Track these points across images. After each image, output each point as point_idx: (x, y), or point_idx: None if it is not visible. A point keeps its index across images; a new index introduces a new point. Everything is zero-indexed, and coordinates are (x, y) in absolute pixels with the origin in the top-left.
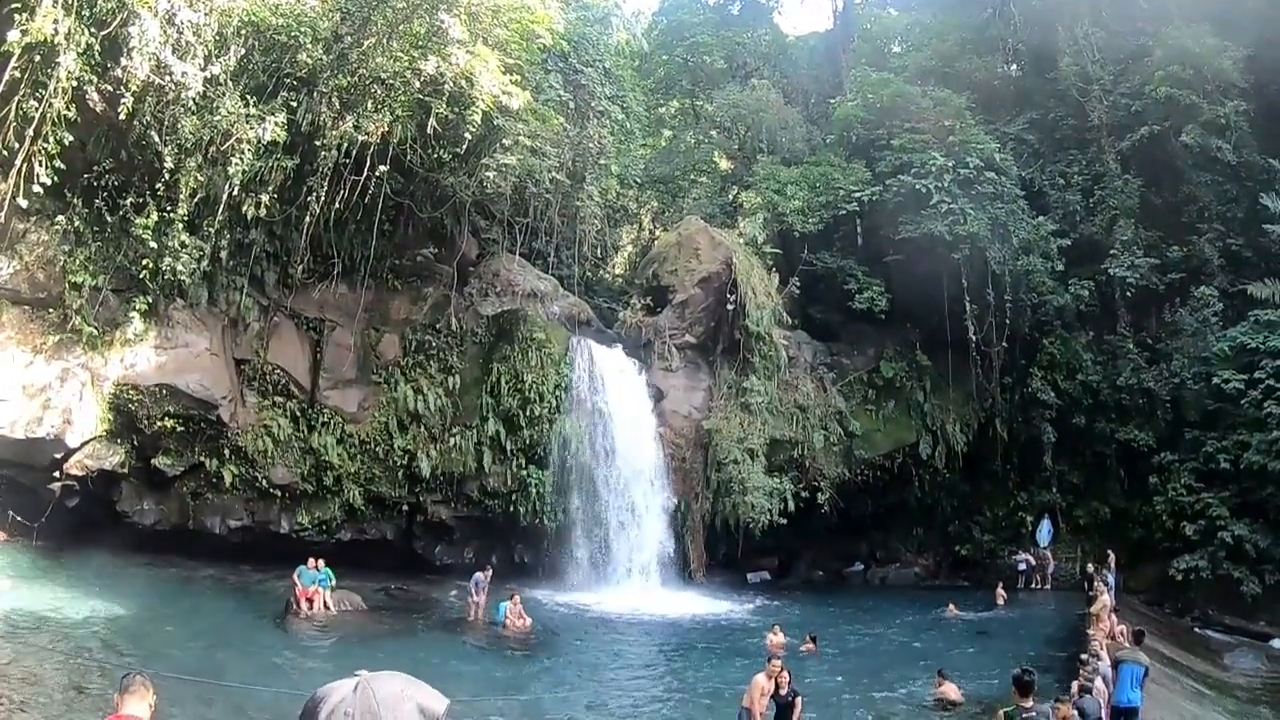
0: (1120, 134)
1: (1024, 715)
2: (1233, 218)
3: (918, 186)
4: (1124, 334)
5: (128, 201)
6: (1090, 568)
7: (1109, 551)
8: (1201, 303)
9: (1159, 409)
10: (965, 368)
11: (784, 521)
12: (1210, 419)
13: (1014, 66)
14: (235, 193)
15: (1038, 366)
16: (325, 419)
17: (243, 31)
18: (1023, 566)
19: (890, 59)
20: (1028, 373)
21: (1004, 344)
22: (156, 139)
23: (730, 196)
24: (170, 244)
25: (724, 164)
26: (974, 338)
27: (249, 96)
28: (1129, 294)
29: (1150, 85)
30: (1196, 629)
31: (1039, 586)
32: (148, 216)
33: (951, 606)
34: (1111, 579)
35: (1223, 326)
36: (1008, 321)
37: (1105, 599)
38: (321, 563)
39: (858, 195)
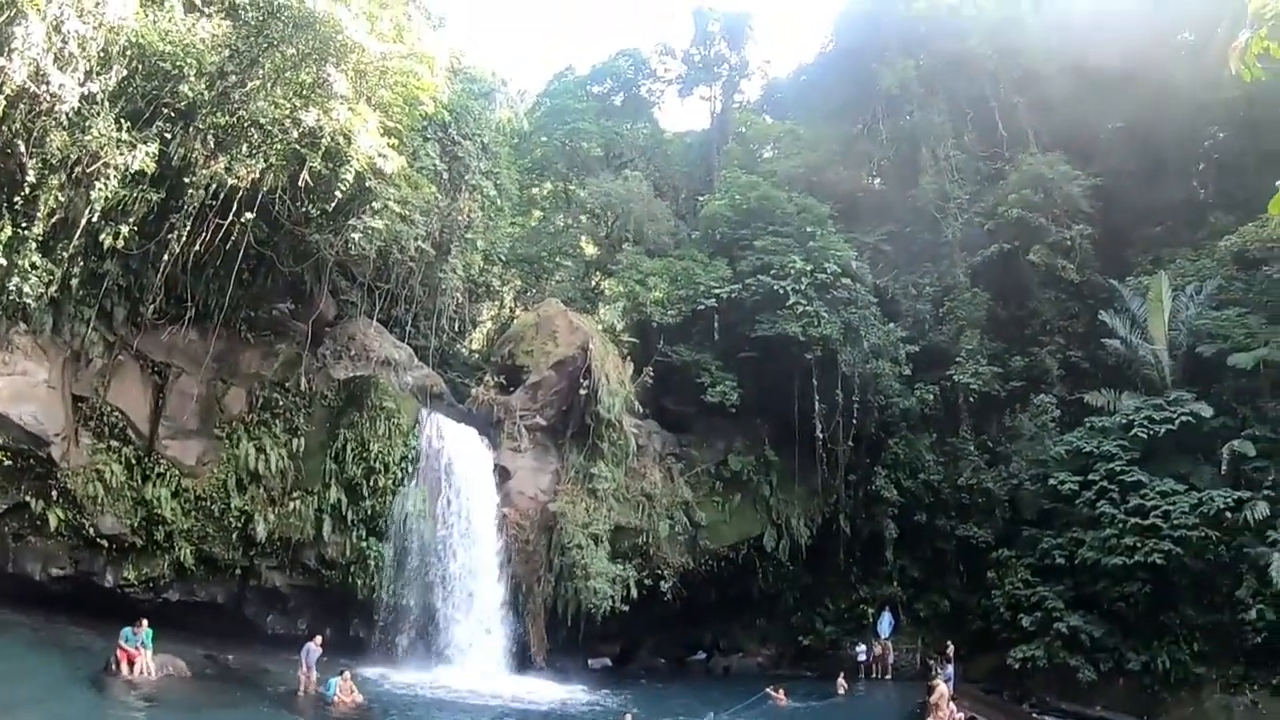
0: (972, 250)
1: None
2: (1073, 332)
3: (776, 287)
4: (966, 437)
5: None
6: (932, 658)
7: (948, 642)
8: (1040, 409)
9: (997, 507)
10: (812, 464)
11: (626, 608)
12: (1046, 517)
13: (878, 180)
14: (95, 219)
15: (882, 465)
16: (162, 470)
17: (128, 52)
18: (862, 657)
19: (761, 163)
20: (872, 470)
21: (850, 442)
22: (22, 150)
23: (593, 282)
24: (20, 263)
25: (590, 250)
26: (821, 435)
27: (124, 121)
28: (972, 399)
29: (1003, 206)
30: (1034, 715)
31: (880, 677)
32: (0, 231)
33: (780, 693)
34: (950, 669)
35: (1060, 431)
36: (855, 421)
37: (943, 688)
38: (144, 623)
39: (717, 292)
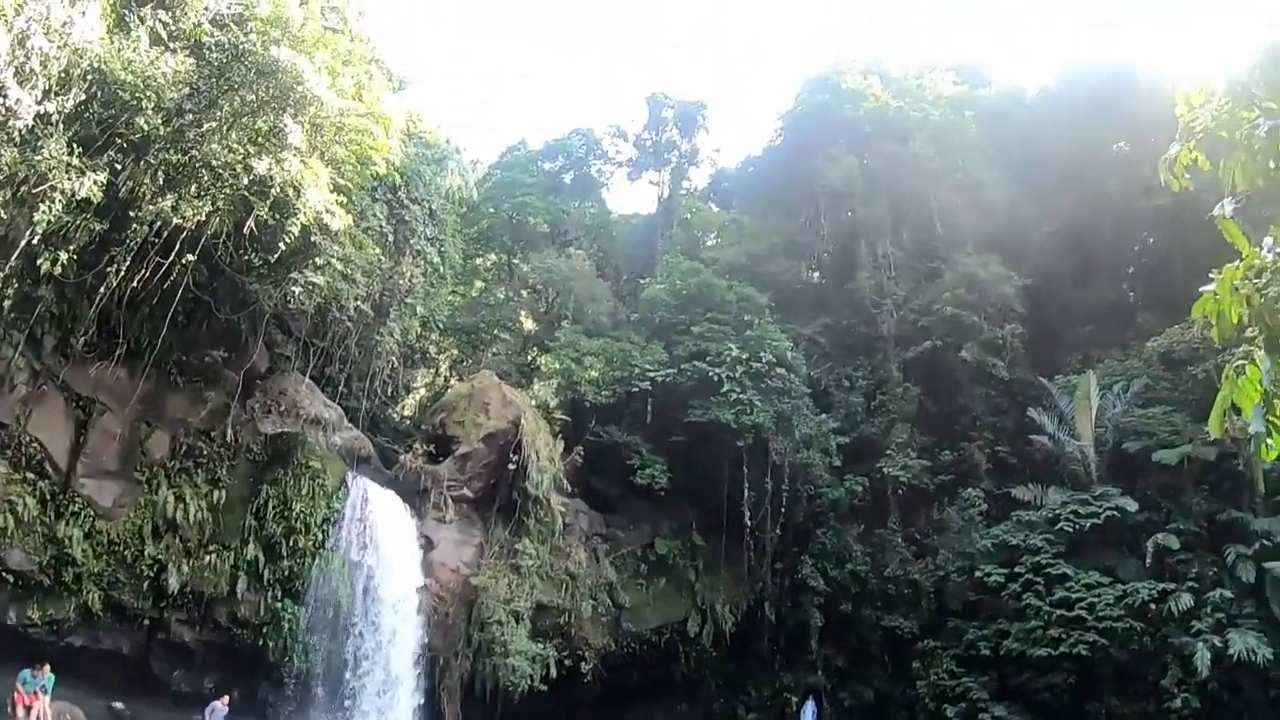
0: (906, 345)
1: None
2: (1002, 427)
3: (711, 374)
4: (894, 528)
5: None
6: None
7: None
8: (968, 503)
9: (924, 598)
10: (738, 550)
11: (545, 688)
12: (972, 609)
13: (817, 274)
14: (35, 242)
15: (809, 554)
16: (76, 509)
17: (89, 76)
18: None
19: (704, 249)
20: (799, 559)
21: (778, 530)
22: None
23: (530, 357)
24: None
25: (529, 324)
26: (750, 522)
27: (76, 145)
28: (901, 491)
29: (938, 304)
30: None
31: None
32: None
33: None
34: None
35: (987, 525)
36: (784, 509)
37: None
38: (47, 668)
39: (652, 375)
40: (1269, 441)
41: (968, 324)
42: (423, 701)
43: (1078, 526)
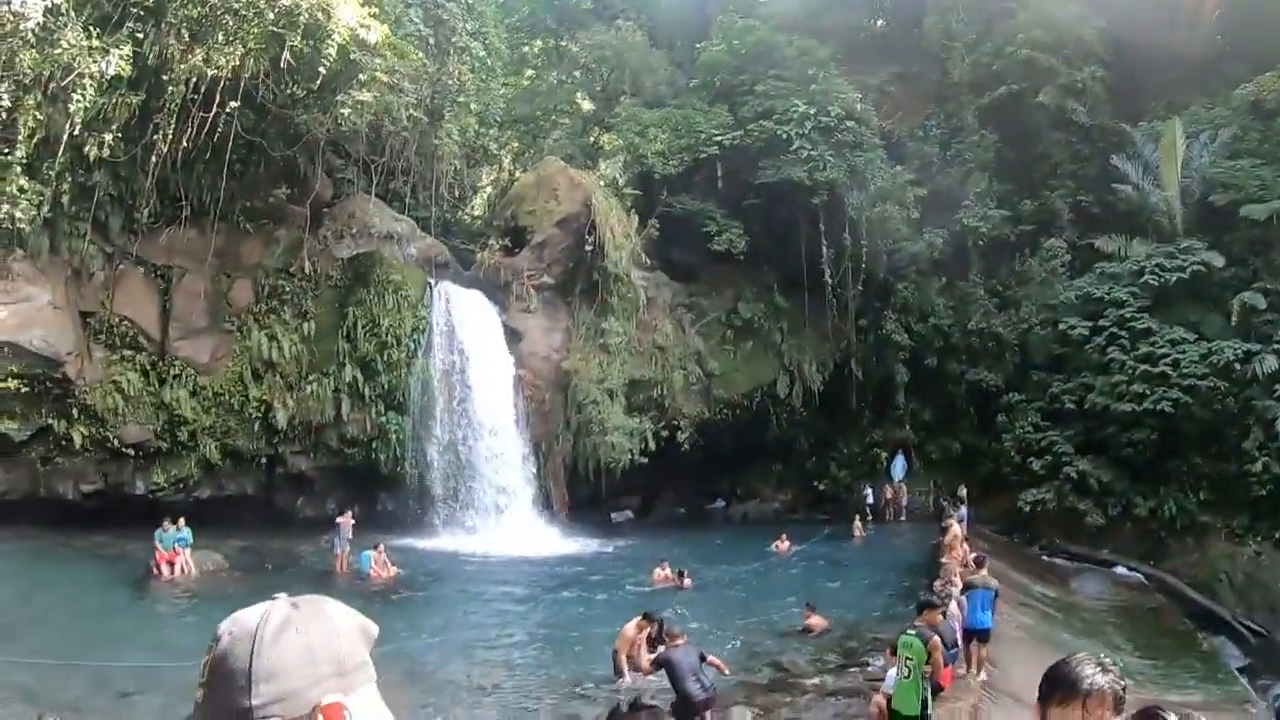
0: (979, 91)
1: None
2: (1083, 176)
3: (779, 132)
4: (975, 281)
5: None
6: (945, 501)
7: (961, 485)
8: (1050, 254)
9: (1007, 352)
10: (821, 309)
11: (645, 461)
12: (1056, 362)
13: (879, 21)
14: (77, 132)
15: (892, 310)
16: (177, 371)
17: None
18: (870, 500)
19: (758, 6)
20: (882, 315)
21: (860, 287)
22: None
23: (591, 138)
24: (8, 189)
25: (586, 105)
26: (830, 280)
27: (92, 28)
28: (980, 243)
29: (1011, 46)
30: (1044, 557)
31: (893, 519)
32: None
33: (782, 543)
34: (964, 510)
35: (1070, 277)
36: (864, 266)
37: (957, 529)
38: (181, 522)
39: (719, 139)
40: None
41: (1044, 67)
42: (531, 486)
43: (1162, 280)
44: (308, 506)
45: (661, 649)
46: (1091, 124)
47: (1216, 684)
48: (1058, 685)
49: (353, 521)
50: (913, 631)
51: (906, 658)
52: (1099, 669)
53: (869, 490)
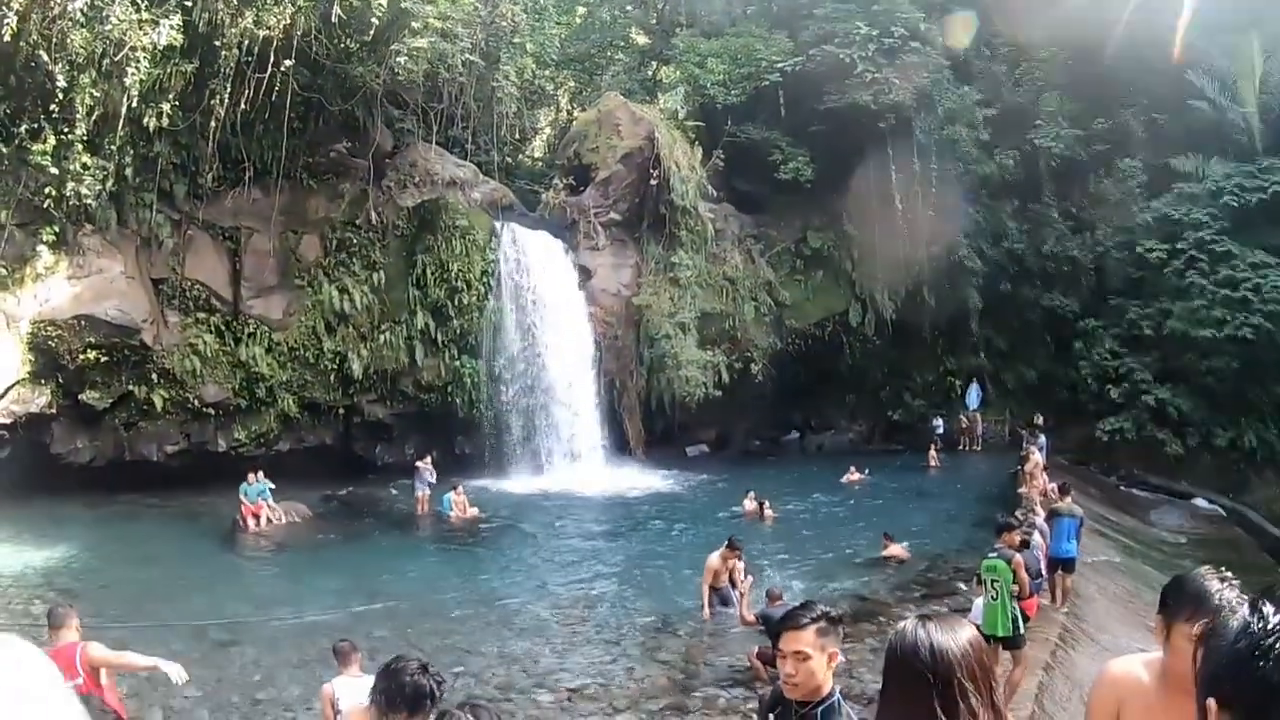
0: (1048, 4)
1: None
2: (1157, 93)
3: (841, 56)
4: (1049, 202)
5: (22, 129)
6: (1021, 429)
7: (1037, 413)
8: (1126, 174)
9: (1083, 276)
10: (892, 236)
11: (719, 394)
12: (1133, 287)
13: None
14: (134, 105)
15: (964, 234)
16: (251, 329)
17: None
18: (940, 429)
19: None
20: (954, 240)
21: (930, 212)
22: (46, 58)
23: (649, 72)
24: (72, 167)
25: (642, 40)
26: (900, 205)
27: (140, 1)
28: (1053, 164)
29: None
30: (1122, 488)
31: (969, 449)
32: (45, 142)
33: (854, 475)
34: (1043, 439)
35: (1146, 198)
36: (934, 190)
37: (1037, 457)
38: (261, 475)
39: (780, 66)
40: None
41: None
42: (607, 423)
43: (1242, 201)
44: (386, 453)
45: (762, 607)
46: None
47: None
48: (1186, 601)
49: (432, 465)
50: (994, 554)
51: (992, 580)
52: (1225, 583)
53: (939, 420)
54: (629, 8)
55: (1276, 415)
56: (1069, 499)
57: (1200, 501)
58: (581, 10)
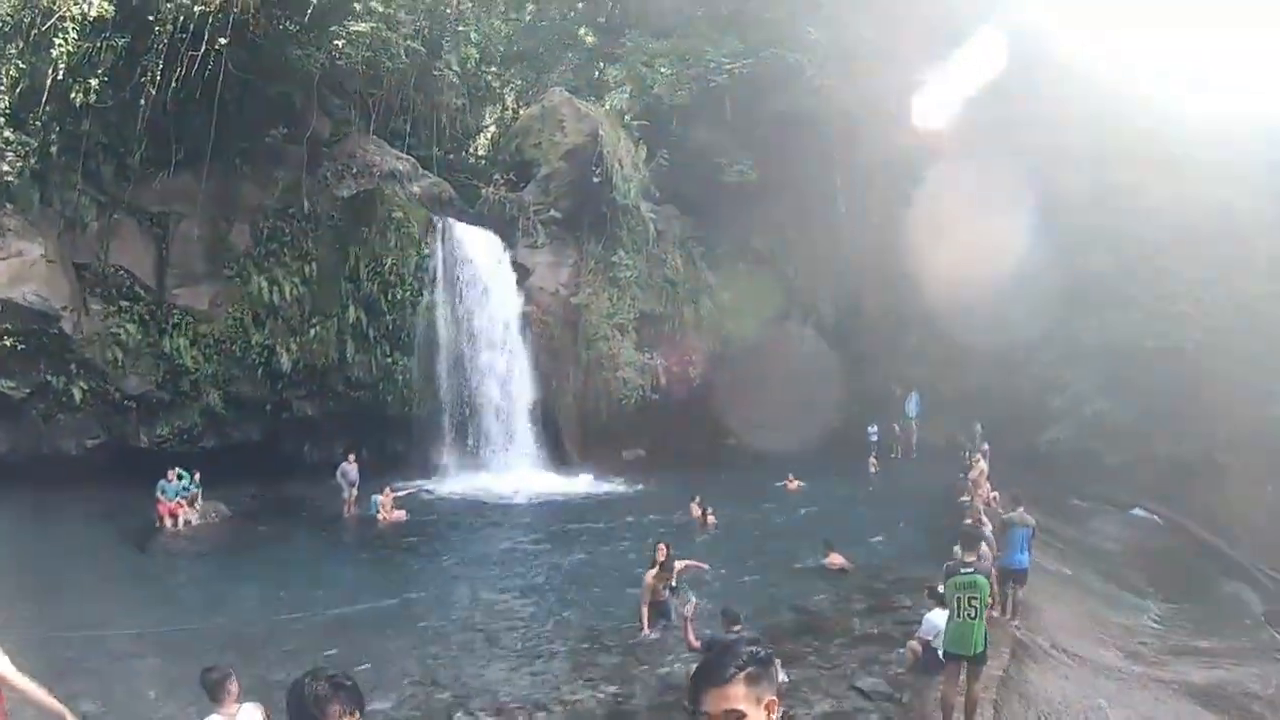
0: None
1: (963, 568)
2: None
3: (790, 59)
4: None
5: None
6: (961, 437)
7: (977, 423)
8: None
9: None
10: (834, 242)
11: (656, 397)
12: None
13: None
14: (61, 78)
15: (908, 241)
16: (176, 320)
17: None
18: (875, 437)
19: None
20: (897, 247)
21: (874, 220)
22: None
23: (597, 72)
24: None
25: (590, 39)
26: (844, 210)
27: None
28: None
29: None
30: (1064, 498)
31: (901, 457)
32: None
33: (790, 479)
34: (986, 446)
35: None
36: (879, 197)
37: (982, 465)
38: (186, 472)
39: (729, 67)
40: None
41: None
42: (542, 425)
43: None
44: (315, 451)
45: (708, 633)
46: None
47: (1244, 632)
48: None
49: (357, 465)
50: (970, 569)
51: (970, 598)
52: None
53: (874, 428)
54: (578, 5)
55: (1212, 426)
56: (1021, 509)
57: (1139, 511)
58: (531, 7)
